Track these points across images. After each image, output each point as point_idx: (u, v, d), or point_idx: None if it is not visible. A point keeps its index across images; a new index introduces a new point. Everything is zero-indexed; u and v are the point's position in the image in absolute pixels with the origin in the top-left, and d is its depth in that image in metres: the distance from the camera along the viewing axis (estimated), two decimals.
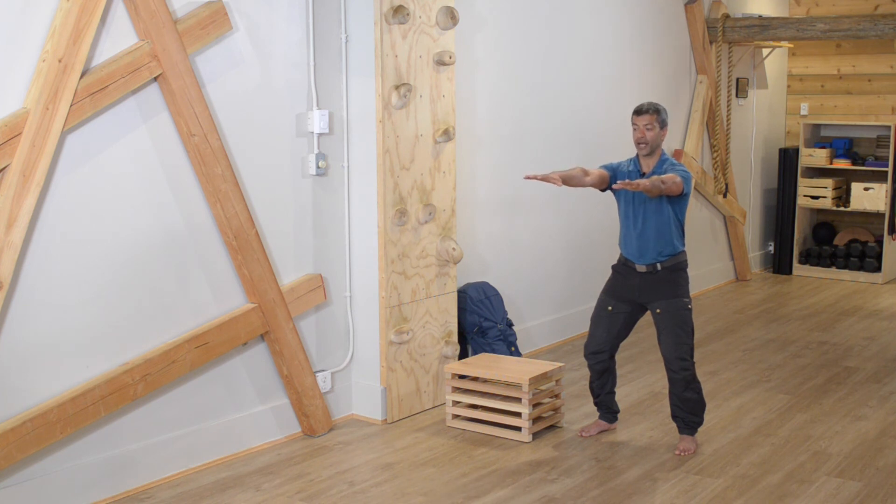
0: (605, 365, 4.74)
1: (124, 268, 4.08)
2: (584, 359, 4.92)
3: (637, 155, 4.58)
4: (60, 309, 3.87)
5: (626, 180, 4.33)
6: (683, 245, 4.61)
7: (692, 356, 4.52)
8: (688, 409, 4.59)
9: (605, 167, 4.64)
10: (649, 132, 4.47)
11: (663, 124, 4.51)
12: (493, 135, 6.00)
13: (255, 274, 4.48)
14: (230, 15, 4.37)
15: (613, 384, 4.83)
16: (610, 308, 4.69)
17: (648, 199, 4.46)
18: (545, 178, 4.38)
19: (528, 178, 4.45)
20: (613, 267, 4.73)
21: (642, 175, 4.55)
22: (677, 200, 4.48)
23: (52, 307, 3.84)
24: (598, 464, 4.50)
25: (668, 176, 4.34)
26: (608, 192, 4.64)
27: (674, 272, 4.55)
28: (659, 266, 4.53)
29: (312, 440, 4.82)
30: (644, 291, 4.58)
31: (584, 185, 4.54)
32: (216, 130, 4.27)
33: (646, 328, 6.39)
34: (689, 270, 4.65)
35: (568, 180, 4.46)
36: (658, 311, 4.55)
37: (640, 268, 4.56)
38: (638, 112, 4.50)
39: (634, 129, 4.50)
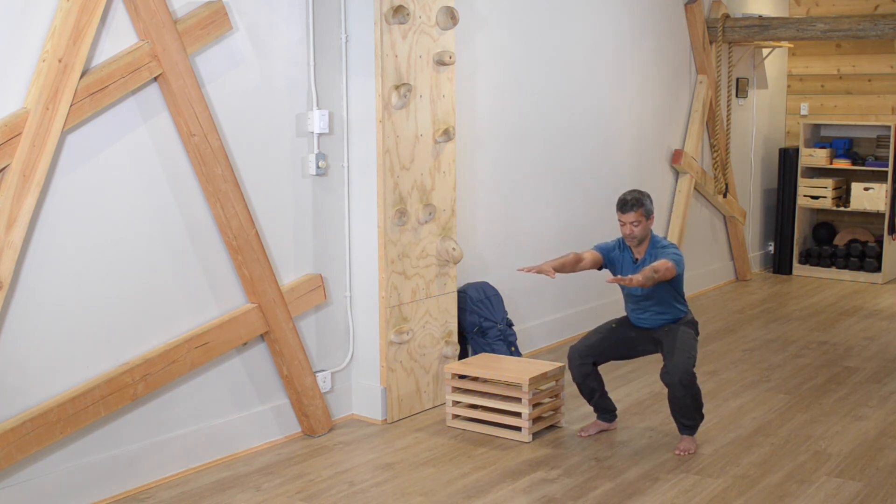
0: (587, 369, 4.74)
1: (124, 268, 4.08)
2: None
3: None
4: (60, 309, 3.87)
5: (619, 276, 4.45)
6: (686, 307, 4.71)
7: (693, 366, 4.52)
8: (687, 414, 4.59)
9: (598, 248, 4.71)
10: (636, 227, 4.52)
11: (649, 215, 4.55)
12: (493, 135, 6.00)
13: (255, 274, 4.48)
14: (230, 15, 4.37)
15: (602, 384, 4.83)
16: (614, 325, 4.77)
17: None
18: (539, 271, 4.44)
19: (520, 270, 4.54)
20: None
21: (635, 262, 4.61)
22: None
23: (52, 307, 3.84)
24: (598, 464, 4.50)
25: (660, 263, 4.37)
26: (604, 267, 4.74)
27: (681, 323, 4.66)
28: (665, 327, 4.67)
29: (312, 440, 4.82)
30: (652, 329, 4.70)
31: (577, 271, 4.61)
32: (216, 130, 4.27)
33: None
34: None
35: (560, 269, 4.53)
36: (665, 329, 4.63)
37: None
38: (622, 209, 4.52)
39: (622, 225, 4.55)
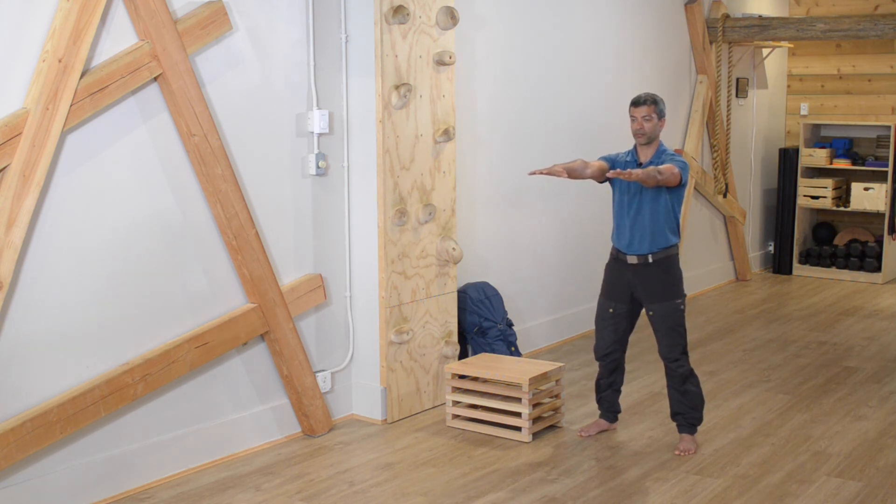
0: (617, 363, 4.78)
1: (124, 267, 4.08)
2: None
3: (635, 145, 4.59)
4: (60, 309, 3.87)
5: (620, 170, 4.36)
6: (677, 238, 4.60)
7: (686, 352, 4.55)
8: (688, 402, 4.60)
9: (604, 158, 4.64)
10: (647, 123, 4.48)
11: (661, 115, 4.52)
12: (492, 134, 6.00)
13: (255, 274, 4.48)
14: (230, 15, 4.37)
15: (621, 381, 4.84)
16: (611, 310, 4.70)
17: (644, 188, 4.46)
18: (550, 172, 4.37)
19: (532, 174, 4.46)
20: (606, 265, 4.75)
21: (639, 165, 4.55)
22: (674, 190, 4.48)
23: (52, 307, 3.84)
24: (598, 464, 4.50)
25: (666, 167, 4.34)
26: (606, 184, 4.64)
27: (666, 268, 4.54)
28: (650, 258, 4.52)
29: (312, 440, 4.82)
30: (637, 286, 4.58)
31: (584, 178, 4.53)
32: (216, 130, 4.27)
33: (646, 328, 6.38)
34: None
35: (571, 172, 4.45)
36: (651, 313, 4.58)
37: (632, 259, 4.55)
38: (636, 103, 4.51)
39: (633, 121, 4.51)
